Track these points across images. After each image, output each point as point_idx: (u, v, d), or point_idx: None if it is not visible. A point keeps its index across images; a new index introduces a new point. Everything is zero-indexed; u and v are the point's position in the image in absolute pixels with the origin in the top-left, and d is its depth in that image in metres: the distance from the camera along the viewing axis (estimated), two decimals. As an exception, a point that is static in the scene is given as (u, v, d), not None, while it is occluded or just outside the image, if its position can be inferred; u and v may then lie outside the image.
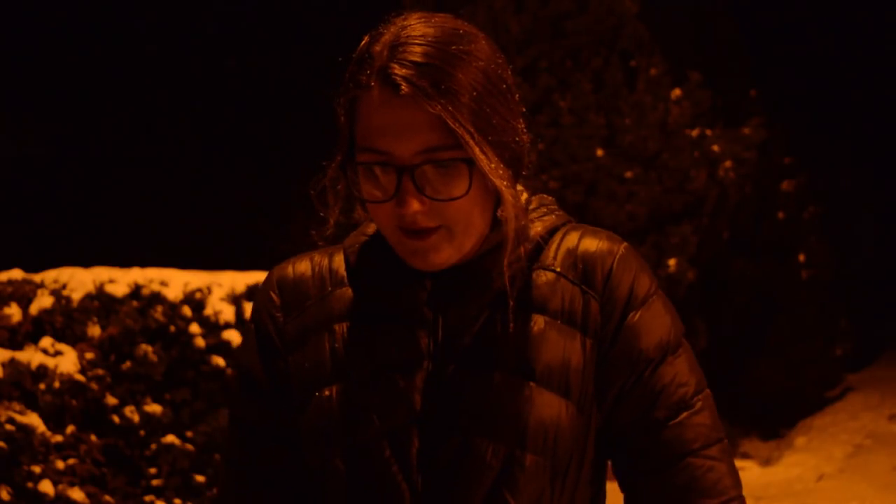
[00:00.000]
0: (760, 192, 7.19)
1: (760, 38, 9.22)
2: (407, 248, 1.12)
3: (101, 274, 3.67)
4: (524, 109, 1.16)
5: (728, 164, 6.70)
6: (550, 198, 1.25)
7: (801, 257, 7.80)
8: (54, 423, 3.26)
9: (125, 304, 3.63)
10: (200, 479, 3.87)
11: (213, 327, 3.93)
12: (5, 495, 3.02)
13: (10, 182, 9.68)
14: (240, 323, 4.04)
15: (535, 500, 1.12)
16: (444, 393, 1.13)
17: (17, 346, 3.25)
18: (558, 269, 1.16)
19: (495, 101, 1.09)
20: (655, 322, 1.16)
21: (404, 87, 1.05)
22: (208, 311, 3.92)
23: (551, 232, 1.19)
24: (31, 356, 3.23)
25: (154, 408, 3.67)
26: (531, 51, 6.24)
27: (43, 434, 3.16)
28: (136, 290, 3.70)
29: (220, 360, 3.93)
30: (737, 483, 1.16)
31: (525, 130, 1.15)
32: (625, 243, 1.19)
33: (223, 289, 4.00)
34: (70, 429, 3.32)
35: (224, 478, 1.28)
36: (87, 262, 3.95)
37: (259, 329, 1.23)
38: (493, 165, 1.07)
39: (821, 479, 5.96)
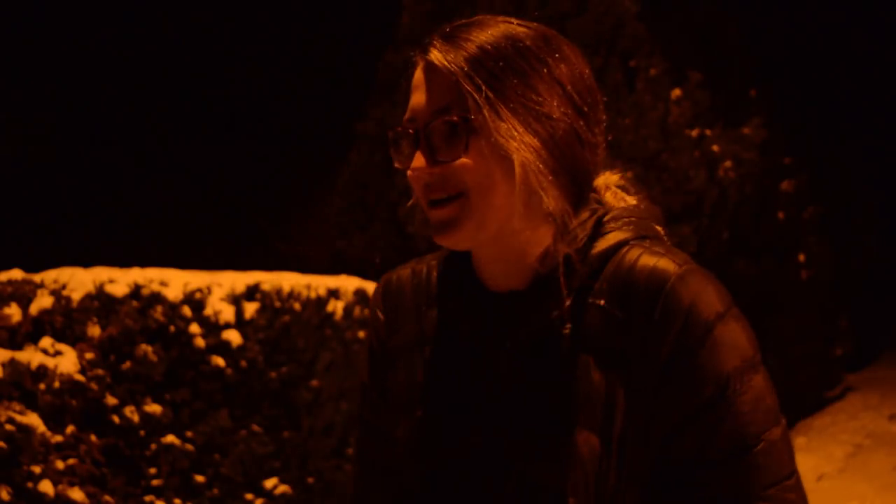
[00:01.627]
0: (760, 192, 7.18)
1: (760, 38, 9.21)
2: (431, 221, 1.14)
3: (101, 274, 3.67)
4: (586, 109, 1.16)
5: (728, 164, 6.69)
6: (637, 208, 1.22)
7: (801, 257, 7.79)
8: (54, 423, 3.26)
9: (125, 304, 3.62)
10: (200, 479, 3.87)
11: (213, 327, 3.93)
12: (5, 495, 3.02)
13: (10, 182, 9.68)
14: (239, 323, 4.04)
15: None
16: (504, 428, 1.15)
17: (17, 346, 3.25)
18: (602, 303, 1.13)
19: (526, 76, 1.11)
20: (712, 358, 1.08)
21: (431, 52, 1.13)
22: (208, 311, 3.91)
23: (612, 251, 1.15)
24: (31, 356, 3.22)
25: (154, 408, 3.67)
26: (531, 51, 6.23)
27: (43, 434, 3.16)
28: (136, 290, 3.70)
29: (220, 360, 3.92)
30: None
31: (578, 123, 1.15)
32: (683, 267, 1.12)
33: (223, 289, 4.00)
34: (70, 429, 3.31)
35: (353, 462, 1.40)
36: (87, 262, 3.95)
37: (370, 345, 1.32)
38: (505, 126, 1.08)
39: (821, 479, 5.96)
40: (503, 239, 1.15)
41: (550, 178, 1.12)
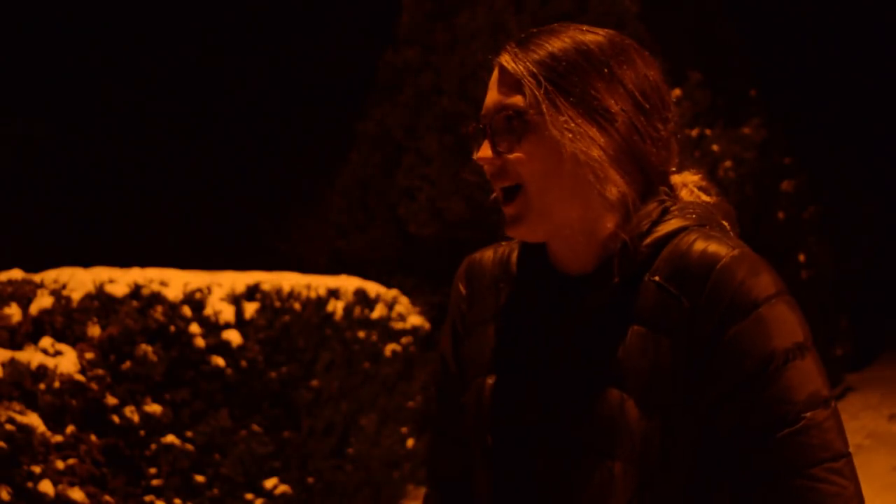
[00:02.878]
0: (760, 192, 7.18)
1: (760, 38, 9.21)
2: (502, 214, 1.24)
3: (101, 274, 3.67)
4: (647, 106, 1.23)
5: (728, 164, 6.69)
6: (707, 204, 1.28)
7: (801, 257, 7.79)
8: (54, 423, 3.26)
9: (125, 304, 3.62)
10: (200, 479, 3.87)
11: (212, 327, 3.92)
12: (5, 495, 3.02)
13: (11, 182, 9.67)
14: (239, 323, 4.04)
15: None
16: (560, 396, 1.22)
17: (17, 346, 3.25)
18: (658, 279, 1.19)
19: (585, 74, 1.20)
20: (757, 335, 1.12)
21: (502, 55, 1.23)
22: (208, 311, 3.91)
23: (671, 235, 1.21)
24: (31, 356, 3.22)
25: (154, 408, 3.67)
26: (531, 51, 6.23)
27: (43, 434, 3.16)
28: (136, 290, 3.70)
29: (219, 360, 3.92)
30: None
31: (639, 119, 1.21)
32: (736, 250, 1.16)
33: (223, 289, 4.00)
34: (70, 429, 3.31)
35: (430, 432, 1.49)
36: (87, 262, 3.95)
37: (451, 318, 1.41)
38: (563, 118, 1.17)
39: (821, 479, 5.94)
40: (569, 228, 1.23)
41: (612, 167, 1.19)
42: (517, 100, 1.20)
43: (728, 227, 1.27)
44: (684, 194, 1.29)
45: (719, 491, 1.17)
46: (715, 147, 6.65)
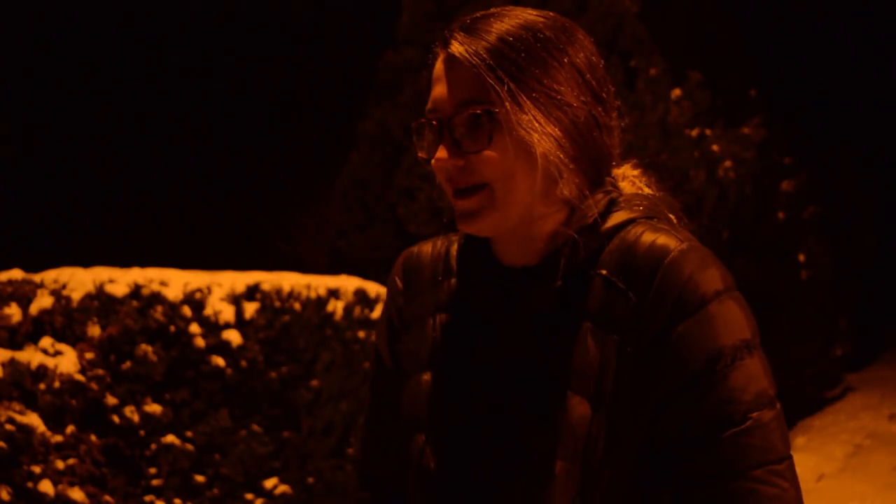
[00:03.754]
0: (760, 192, 7.18)
1: (760, 38, 9.21)
2: (456, 209, 1.17)
3: (101, 274, 3.67)
4: (604, 94, 1.19)
5: (728, 163, 6.69)
6: (652, 196, 1.25)
7: (801, 257, 7.79)
8: (54, 423, 3.26)
9: (125, 304, 3.62)
10: (200, 479, 3.87)
11: (213, 327, 3.92)
12: (5, 495, 3.02)
13: (11, 182, 9.67)
14: (239, 323, 4.04)
15: None
16: (500, 393, 1.18)
17: (17, 346, 3.25)
18: (605, 273, 1.15)
19: (546, 66, 1.14)
20: (705, 332, 1.09)
21: (452, 44, 1.14)
22: (208, 311, 3.91)
23: (618, 228, 1.17)
24: (31, 356, 3.22)
25: (154, 408, 3.67)
26: (531, 51, 6.22)
27: (43, 434, 3.16)
28: (136, 290, 3.70)
29: (220, 360, 3.92)
30: None
31: (597, 109, 1.17)
32: (685, 244, 1.14)
33: (223, 289, 4.00)
34: (70, 429, 3.31)
35: (362, 430, 1.44)
36: (87, 262, 3.95)
37: (386, 312, 1.35)
38: (527, 118, 1.11)
39: (821, 479, 5.96)
40: (522, 223, 1.18)
41: (572, 166, 1.15)
42: (479, 96, 1.12)
43: (675, 221, 1.24)
44: (625, 185, 1.26)
45: (663, 491, 1.13)
46: (715, 147, 6.64)
